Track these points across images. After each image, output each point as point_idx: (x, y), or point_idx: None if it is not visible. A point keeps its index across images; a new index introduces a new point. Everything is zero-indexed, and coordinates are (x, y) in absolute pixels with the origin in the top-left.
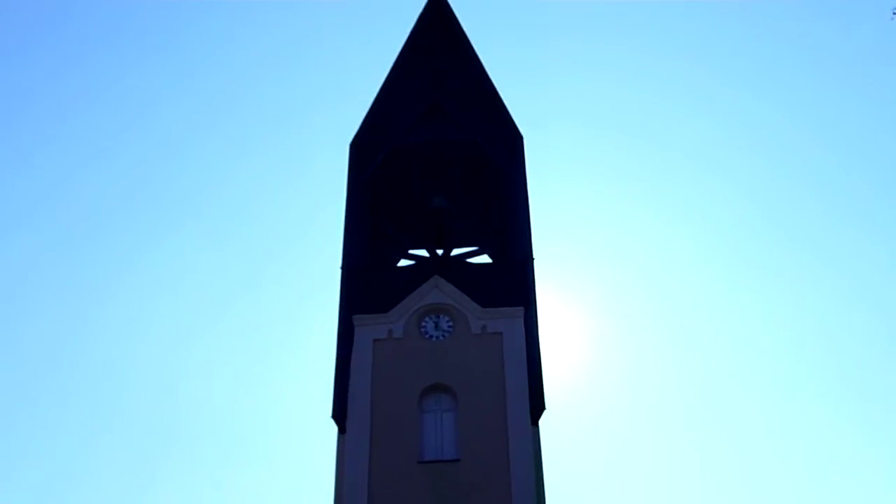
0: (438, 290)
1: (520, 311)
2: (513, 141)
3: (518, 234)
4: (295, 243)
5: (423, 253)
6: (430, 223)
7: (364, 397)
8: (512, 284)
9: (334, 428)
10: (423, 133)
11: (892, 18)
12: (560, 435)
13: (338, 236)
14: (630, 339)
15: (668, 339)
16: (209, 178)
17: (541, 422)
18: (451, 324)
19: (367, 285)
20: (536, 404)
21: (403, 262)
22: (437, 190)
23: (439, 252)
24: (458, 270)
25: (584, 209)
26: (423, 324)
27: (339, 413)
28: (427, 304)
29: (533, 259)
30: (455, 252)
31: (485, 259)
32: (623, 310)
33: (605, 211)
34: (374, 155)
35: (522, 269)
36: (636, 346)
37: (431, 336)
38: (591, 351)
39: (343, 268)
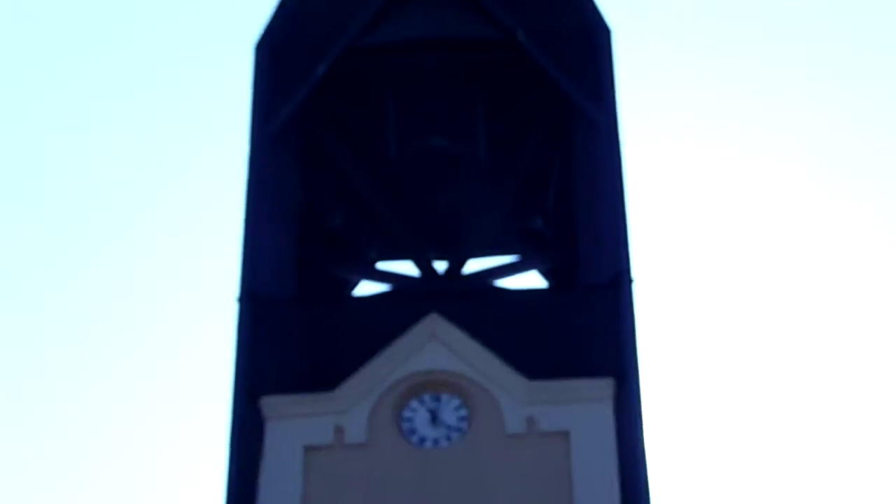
0: (439, 345)
1: (606, 385)
2: (591, 40)
3: (602, 231)
4: (141, 247)
5: (408, 268)
6: (419, 205)
7: None
8: (590, 333)
9: None
10: (403, 25)
11: None
12: None
13: (232, 233)
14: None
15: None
16: None
17: None
18: (464, 414)
19: (290, 335)
20: None
21: (367, 288)
22: (437, 130)
23: (439, 267)
24: (481, 304)
25: (728, 177)
26: (408, 414)
27: None
28: (415, 372)
29: (631, 280)
30: (472, 266)
31: (532, 280)
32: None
33: (768, 180)
34: (306, 67)
35: (611, 301)
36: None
37: (423, 440)
38: (758, 468)
39: (241, 299)
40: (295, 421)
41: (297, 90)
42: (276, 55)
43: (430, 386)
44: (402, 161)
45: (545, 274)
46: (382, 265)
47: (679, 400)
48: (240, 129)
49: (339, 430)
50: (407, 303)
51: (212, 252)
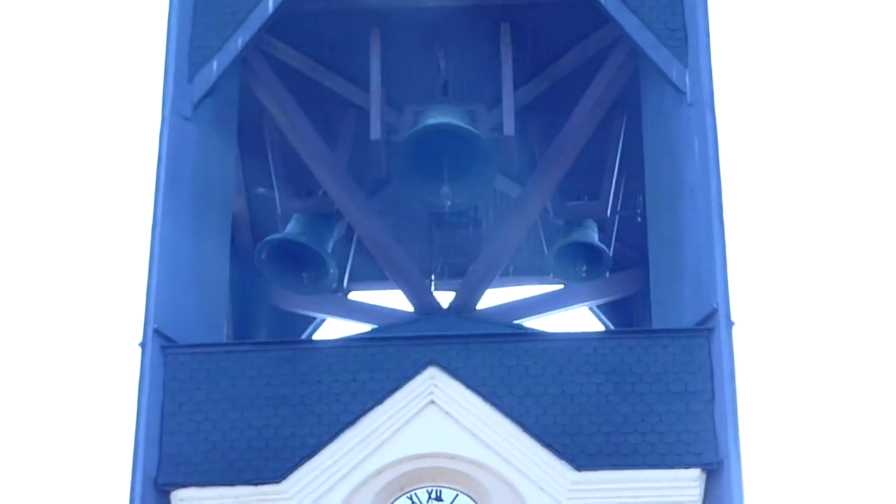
0: (440, 414)
1: (692, 480)
2: None
3: (686, 251)
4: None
5: (396, 299)
6: (413, 207)
7: None
8: (670, 400)
9: None
10: None
11: None
12: None
13: (139, 246)
14: None
15: None
16: None
17: None
18: None
19: (219, 397)
20: None
21: (335, 328)
22: (442, 95)
23: (442, 299)
24: (504, 354)
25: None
26: None
27: None
28: (406, 456)
29: (732, 323)
30: (490, 299)
31: (582, 320)
32: None
33: None
34: (245, 7)
35: (700, 354)
36: None
37: None
38: None
39: (146, 343)
40: None
41: (233, 34)
42: None
43: (426, 476)
44: (389, 143)
45: (601, 311)
46: (358, 295)
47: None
48: (151, 92)
49: None
50: (394, 351)
51: (110, 274)
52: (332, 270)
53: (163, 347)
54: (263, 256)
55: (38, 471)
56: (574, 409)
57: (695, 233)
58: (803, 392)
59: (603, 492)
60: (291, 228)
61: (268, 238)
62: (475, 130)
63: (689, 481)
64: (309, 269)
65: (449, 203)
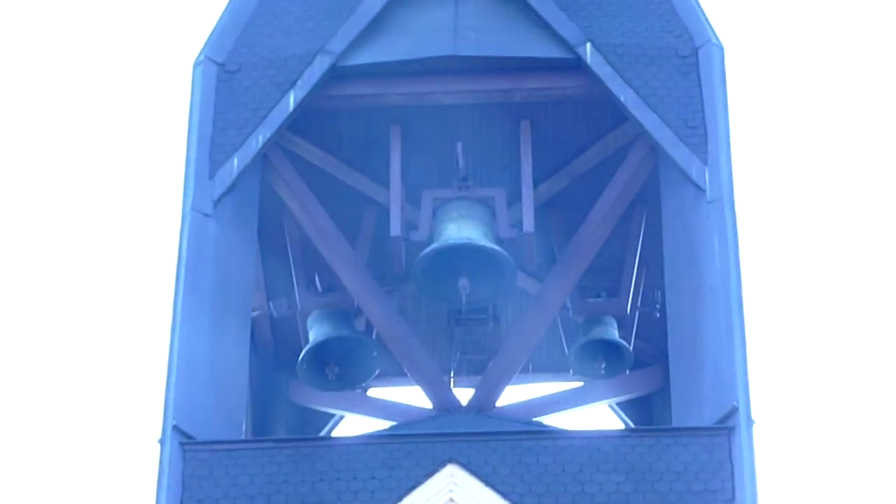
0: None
1: None
2: (694, 62)
3: (706, 348)
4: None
5: (415, 396)
6: (432, 304)
7: None
8: (690, 499)
9: None
10: (413, 37)
11: None
12: None
13: (158, 342)
14: None
15: None
16: None
17: None
18: None
19: (238, 494)
20: None
21: (354, 425)
22: (461, 192)
23: (461, 395)
24: (524, 452)
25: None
26: None
27: None
28: None
29: (752, 422)
30: (510, 396)
31: (602, 418)
32: None
33: None
34: (268, 97)
35: (720, 453)
36: None
37: None
38: None
39: (165, 441)
40: None
41: (254, 131)
42: (225, 77)
43: None
44: (409, 240)
45: (621, 409)
46: (377, 392)
47: None
48: (171, 188)
49: None
50: (413, 448)
51: (129, 370)
52: (375, 353)
53: (181, 444)
54: (305, 367)
55: None
56: None
57: (715, 330)
58: (825, 491)
59: None
60: (317, 328)
61: (309, 347)
62: (496, 247)
63: None
64: (342, 363)
65: (466, 294)
